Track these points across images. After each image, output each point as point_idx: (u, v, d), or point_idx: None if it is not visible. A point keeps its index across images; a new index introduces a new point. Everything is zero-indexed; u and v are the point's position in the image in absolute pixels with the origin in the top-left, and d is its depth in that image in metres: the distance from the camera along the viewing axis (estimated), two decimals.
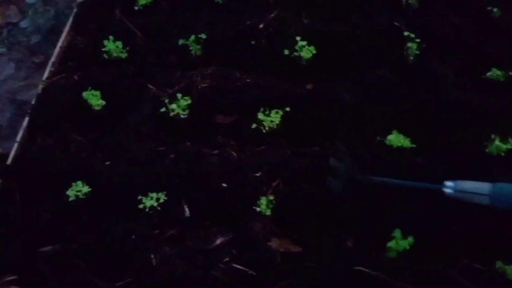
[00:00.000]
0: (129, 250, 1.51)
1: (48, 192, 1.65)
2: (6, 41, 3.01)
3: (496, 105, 1.72)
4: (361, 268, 1.39)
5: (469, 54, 1.89)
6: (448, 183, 1.04)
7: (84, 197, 1.60)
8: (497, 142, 1.59)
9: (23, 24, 3.04)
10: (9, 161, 1.72)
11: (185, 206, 1.61)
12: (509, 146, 1.58)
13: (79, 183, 1.61)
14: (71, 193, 1.59)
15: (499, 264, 1.40)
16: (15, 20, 3.06)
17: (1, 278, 1.49)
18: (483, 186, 0.98)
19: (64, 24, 2.52)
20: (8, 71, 2.90)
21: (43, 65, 2.85)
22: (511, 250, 1.44)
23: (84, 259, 1.53)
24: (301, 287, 1.39)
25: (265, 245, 1.45)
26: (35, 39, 2.96)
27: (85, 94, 1.77)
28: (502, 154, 1.59)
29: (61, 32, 2.28)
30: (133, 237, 1.54)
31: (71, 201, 1.59)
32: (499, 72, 1.80)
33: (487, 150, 1.61)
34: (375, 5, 2.03)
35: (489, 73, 1.81)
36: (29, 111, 1.84)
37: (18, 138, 1.75)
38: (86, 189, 1.60)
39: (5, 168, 1.69)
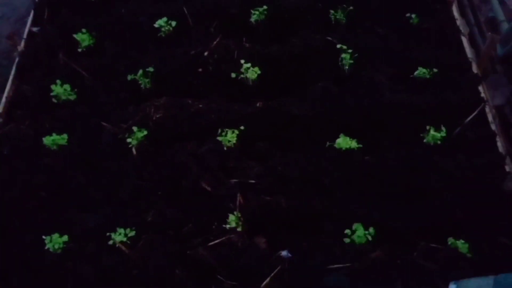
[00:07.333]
0: None
1: None
2: None
3: (426, 100, 1.90)
4: None
5: (396, 59, 2.07)
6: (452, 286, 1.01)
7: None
8: (432, 132, 1.77)
9: None
10: None
11: None
12: (443, 134, 1.76)
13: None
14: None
15: (450, 240, 1.56)
16: None
17: None
18: (486, 283, 0.93)
19: (2, 75, 2.51)
20: None
21: None
22: (460, 227, 1.61)
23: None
24: None
25: None
26: None
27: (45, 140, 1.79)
28: (438, 142, 1.77)
29: (3, 82, 2.27)
30: None
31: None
32: (424, 70, 1.99)
33: (425, 140, 1.78)
34: (309, 25, 2.17)
35: (416, 72, 1.99)
36: None
37: None
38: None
39: None
